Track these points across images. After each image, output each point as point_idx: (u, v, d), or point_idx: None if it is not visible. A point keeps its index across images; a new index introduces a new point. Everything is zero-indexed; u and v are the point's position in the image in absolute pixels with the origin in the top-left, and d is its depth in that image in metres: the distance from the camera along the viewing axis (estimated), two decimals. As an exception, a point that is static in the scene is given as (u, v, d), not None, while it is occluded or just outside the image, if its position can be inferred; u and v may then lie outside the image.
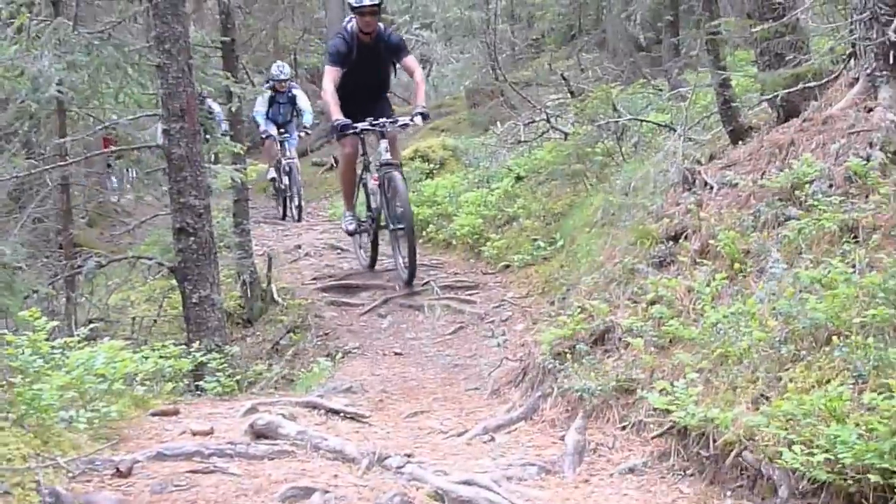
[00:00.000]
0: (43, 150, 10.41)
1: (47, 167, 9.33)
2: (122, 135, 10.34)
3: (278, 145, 17.63)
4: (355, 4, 10.48)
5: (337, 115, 10.21)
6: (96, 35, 8.53)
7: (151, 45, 8.34)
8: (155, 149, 8.75)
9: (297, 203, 17.40)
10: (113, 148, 12.23)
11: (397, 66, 10.99)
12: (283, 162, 17.47)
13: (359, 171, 11.23)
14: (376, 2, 10.52)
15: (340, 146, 11.14)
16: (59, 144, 9.39)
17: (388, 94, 11.56)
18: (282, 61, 19.16)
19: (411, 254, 10.22)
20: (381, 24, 10.89)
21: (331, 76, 10.48)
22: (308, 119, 17.78)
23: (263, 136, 17.75)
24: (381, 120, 10.49)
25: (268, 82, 17.78)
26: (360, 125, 10.33)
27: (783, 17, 7.64)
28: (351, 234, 11.64)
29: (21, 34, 8.03)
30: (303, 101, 17.79)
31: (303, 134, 18.15)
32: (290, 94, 17.71)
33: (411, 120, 10.65)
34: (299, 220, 17.22)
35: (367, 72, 10.72)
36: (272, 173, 17.83)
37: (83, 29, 8.65)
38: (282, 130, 17.73)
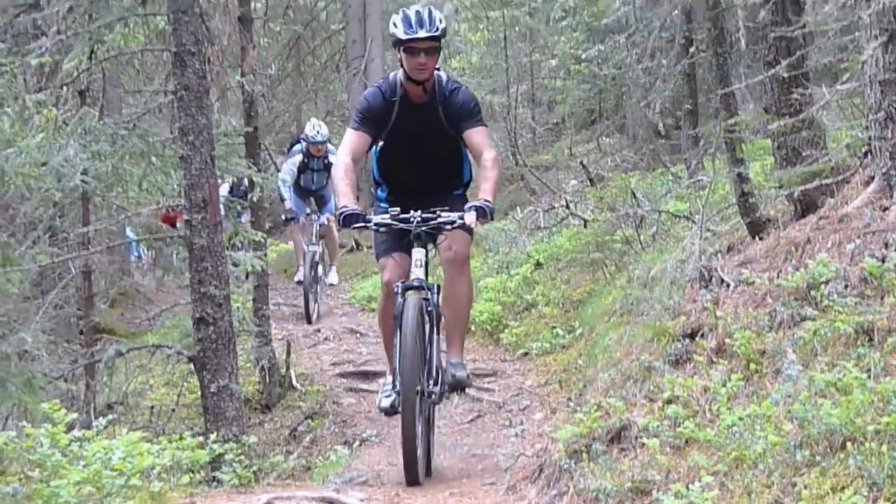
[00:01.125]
0: (67, 235, 10.52)
1: (70, 255, 9.44)
2: (144, 223, 10.45)
3: (305, 234, 14.84)
4: (403, 36, 6.86)
5: (344, 201, 6.74)
6: (122, 125, 8.67)
7: (175, 137, 8.46)
8: (177, 238, 8.82)
9: (314, 300, 14.69)
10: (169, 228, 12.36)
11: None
12: (307, 248, 14.64)
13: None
14: (436, 32, 6.88)
15: (378, 268, 7.49)
16: (82, 232, 9.51)
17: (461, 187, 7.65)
18: (318, 119, 15.70)
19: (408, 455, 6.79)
20: (442, 73, 7.24)
21: (348, 144, 7.07)
22: None
23: (287, 216, 14.80)
24: (411, 214, 6.77)
25: (298, 143, 14.90)
26: (376, 219, 6.81)
27: (800, 112, 7.72)
28: (386, 413, 7.45)
29: (47, 123, 8.16)
30: None
31: (333, 218, 13.86)
32: (325, 161, 14.45)
33: (460, 219, 6.67)
34: (309, 320, 14.45)
35: (417, 146, 7.20)
36: (299, 275, 15.04)
37: (109, 119, 8.80)
38: (311, 207, 14.94)
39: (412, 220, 6.73)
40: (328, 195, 14.95)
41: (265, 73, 17.45)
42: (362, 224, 6.72)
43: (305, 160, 14.67)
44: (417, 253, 6.82)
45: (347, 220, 6.65)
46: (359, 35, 22.83)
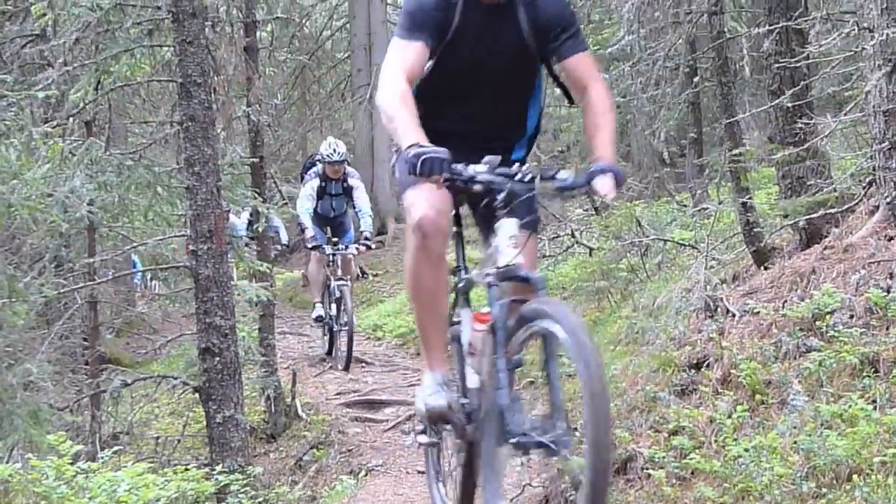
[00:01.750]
0: (72, 264, 10.53)
1: (76, 286, 9.46)
2: (150, 252, 10.45)
3: (327, 266, 13.08)
4: None
5: (414, 137, 4.26)
6: (128, 156, 8.71)
7: (181, 167, 8.49)
8: (182, 268, 8.84)
9: (345, 343, 12.85)
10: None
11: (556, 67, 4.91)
12: (333, 284, 12.93)
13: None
14: None
15: (407, 203, 4.74)
16: (88, 263, 9.53)
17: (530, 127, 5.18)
18: (334, 138, 13.85)
19: None
20: None
21: (400, 59, 4.70)
22: (368, 224, 13.11)
23: (309, 245, 13.07)
24: (517, 169, 4.36)
25: (313, 165, 13.28)
26: (471, 169, 4.27)
27: (804, 141, 7.73)
28: (436, 420, 4.87)
29: (54, 154, 8.19)
30: (362, 198, 13.12)
31: (363, 248, 13.33)
32: (345, 184, 13.04)
33: (586, 184, 4.31)
34: (346, 367, 12.85)
35: (482, 72, 4.87)
36: (318, 310, 13.42)
37: (115, 150, 8.84)
38: (332, 233, 13.21)
39: (522, 176, 4.25)
40: (348, 223, 13.50)
41: (271, 102, 17.39)
42: (449, 177, 4.15)
43: (322, 184, 12.98)
44: (511, 226, 4.21)
45: (426, 166, 4.09)
46: (364, 64, 22.95)
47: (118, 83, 9.30)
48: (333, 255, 12.97)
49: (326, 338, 13.72)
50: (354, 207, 13.17)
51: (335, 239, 13.13)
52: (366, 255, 16.98)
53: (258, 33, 12.21)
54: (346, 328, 12.69)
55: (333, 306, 13.01)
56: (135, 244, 9.75)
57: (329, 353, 13.54)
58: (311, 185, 12.96)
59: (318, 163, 13.11)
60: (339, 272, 12.93)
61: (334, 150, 12.83)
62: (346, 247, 13.10)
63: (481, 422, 4.50)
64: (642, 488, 5.71)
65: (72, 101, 9.16)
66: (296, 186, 20.30)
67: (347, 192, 13.08)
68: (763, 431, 5.30)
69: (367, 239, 13.14)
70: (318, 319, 13.52)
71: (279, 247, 18.09)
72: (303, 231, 13.15)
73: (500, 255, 4.22)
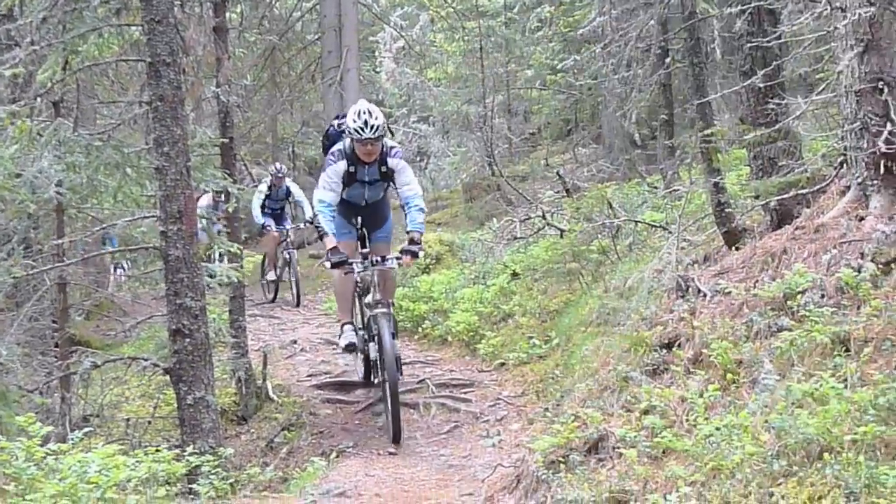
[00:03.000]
0: (41, 246, 10.46)
1: (45, 268, 9.38)
2: (121, 234, 10.36)
3: (348, 282, 9.70)
4: None
5: None
6: (96, 136, 8.63)
7: (151, 147, 8.41)
8: (152, 249, 8.77)
9: (388, 406, 8.94)
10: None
11: None
12: (367, 315, 9.46)
13: None
14: None
15: None
16: (56, 244, 9.46)
17: None
18: (367, 102, 9.33)
19: None
20: None
21: None
22: (417, 223, 9.12)
23: (335, 259, 9.02)
24: None
25: (338, 137, 9.53)
26: None
27: (776, 122, 7.76)
28: None
29: (21, 135, 8.11)
30: (409, 184, 9.29)
31: (407, 259, 9.18)
32: (383, 168, 9.32)
33: None
34: (396, 440, 8.85)
35: None
36: (349, 336, 9.81)
37: (83, 130, 8.75)
38: (363, 224, 9.76)
39: None
40: (386, 211, 10.08)
41: (240, 83, 17.21)
42: None
43: (351, 168, 9.26)
44: None
45: None
46: (334, 46, 22.85)
47: (86, 63, 9.20)
48: (366, 270, 9.37)
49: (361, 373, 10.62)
50: (398, 196, 9.63)
51: (365, 230, 9.76)
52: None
53: (228, 14, 12.12)
54: (387, 383, 8.90)
55: (373, 348, 9.47)
56: (104, 226, 9.68)
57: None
58: (335, 169, 9.25)
59: (344, 136, 9.36)
60: (378, 294, 9.33)
61: (365, 123, 8.93)
62: (384, 258, 9.38)
63: None
64: (614, 467, 5.72)
65: (39, 81, 9.07)
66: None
67: (386, 176, 9.44)
68: (734, 410, 5.33)
69: (415, 243, 9.17)
70: (350, 348, 9.95)
71: (305, 223, 17.78)
72: (321, 238, 9.33)
73: None
